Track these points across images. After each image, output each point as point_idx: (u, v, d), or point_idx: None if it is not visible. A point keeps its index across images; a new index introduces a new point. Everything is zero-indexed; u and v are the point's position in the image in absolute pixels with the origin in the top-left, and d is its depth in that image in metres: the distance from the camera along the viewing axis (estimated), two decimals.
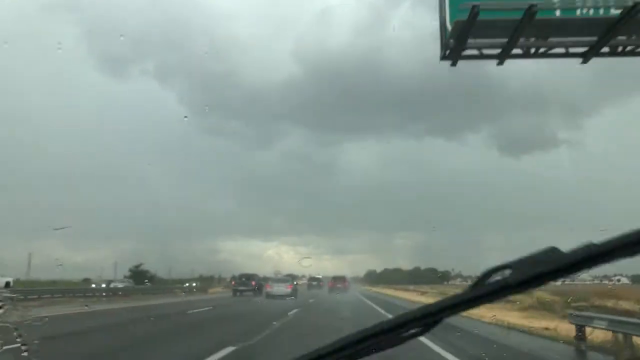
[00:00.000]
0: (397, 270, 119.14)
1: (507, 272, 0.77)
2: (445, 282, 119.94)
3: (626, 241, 0.69)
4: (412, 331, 0.87)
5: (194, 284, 56.03)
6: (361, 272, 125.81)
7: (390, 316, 0.97)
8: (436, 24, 8.85)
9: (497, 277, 0.79)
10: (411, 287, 62.17)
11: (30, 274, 38.86)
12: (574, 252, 0.73)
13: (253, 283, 36.76)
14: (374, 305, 25.31)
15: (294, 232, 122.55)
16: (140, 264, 55.30)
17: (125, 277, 50.65)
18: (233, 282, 40.05)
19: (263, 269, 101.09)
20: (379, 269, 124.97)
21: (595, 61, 8.94)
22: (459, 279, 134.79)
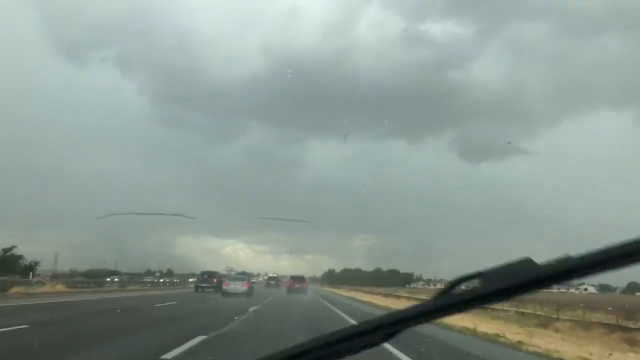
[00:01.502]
0: (357, 271, 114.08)
1: (477, 281, 0.73)
2: (408, 285, 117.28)
3: (604, 256, 0.66)
4: (376, 339, 0.83)
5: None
6: (319, 272, 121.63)
7: None
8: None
9: (465, 286, 0.75)
10: (379, 289, 56.94)
11: None
12: (550, 265, 0.70)
13: (214, 280, 37.51)
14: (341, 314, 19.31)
15: (252, 230, 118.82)
16: (12, 247, 37.28)
17: None
18: (196, 279, 42.77)
19: (219, 266, 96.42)
20: (338, 269, 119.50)
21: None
22: (421, 282, 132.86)
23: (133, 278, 57.35)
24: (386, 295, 42.54)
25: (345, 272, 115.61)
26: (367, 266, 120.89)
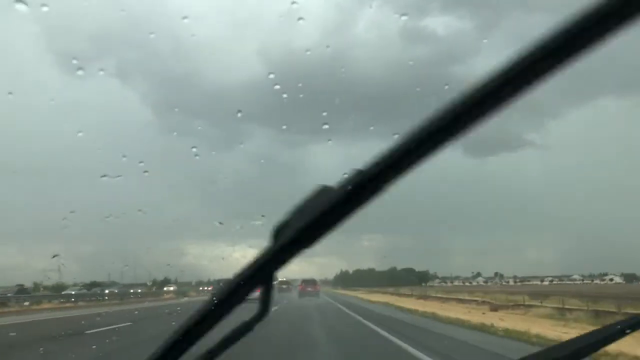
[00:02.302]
0: (371, 271, 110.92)
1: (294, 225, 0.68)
2: (424, 284, 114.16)
3: (391, 161, 0.61)
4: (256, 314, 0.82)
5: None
6: (330, 275, 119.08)
7: None
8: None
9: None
10: (404, 290, 53.23)
11: None
12: (343, 185, 0.64)
13: None
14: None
15: (260, 236, 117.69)
16: None
17: None
18: (211, 287, 43.89)
19: (227, 273, 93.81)
20: (349, 271, 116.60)
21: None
22: (437, 280, 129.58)
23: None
24: (421, 297, 38.29)
25: (358, 272, 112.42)
26: (378, 266, 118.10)
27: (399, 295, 46.19)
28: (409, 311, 22.09)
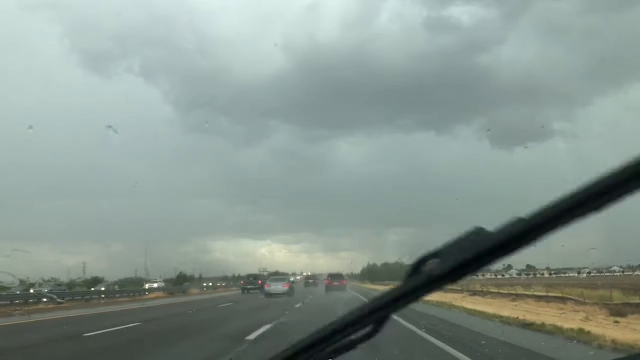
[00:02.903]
0: (399, 265, 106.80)
1: (436, 261, 0.71)
2: None
3: (557, 211, 0.63)
4: (365, 332, 0.85)
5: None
6: (356, 269, 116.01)
7: None
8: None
9: (428, 266, 0.72)
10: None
11: None
12: (502, 231, 0.66)
13: (259, 282, 41.05)
14: None
15: (286, 231, 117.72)
16: None
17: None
18: (242, 282, 47.41)
19: (253, 268, 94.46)
20: (378, 264, 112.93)
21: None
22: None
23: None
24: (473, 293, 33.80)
25: (387, 266, 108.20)
26: (408, 259, 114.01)
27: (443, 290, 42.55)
28: (487, 317, 14.07)
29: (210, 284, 67.57)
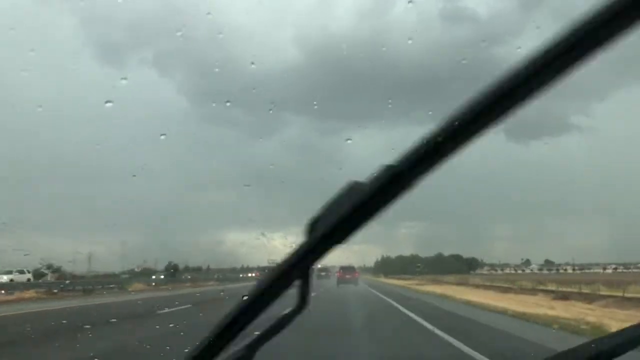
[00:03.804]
0: (415, 257, 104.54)
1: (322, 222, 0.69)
2: (472, 271, 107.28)
3: (429, 148, 0.60)
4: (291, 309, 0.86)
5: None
6: (369, 262, 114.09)
7: None
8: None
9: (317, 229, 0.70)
10: (465, 279, 45.61)
11: None
12: (373, 180, 0.64)
13: None
14: None
15: (299, 223, 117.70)
16: None
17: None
18: (257, 273, 48.08)
19: (262, 260, 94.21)
20: (392, 256, 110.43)
21: None
22: (485, 268, 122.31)
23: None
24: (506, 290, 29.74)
25: (401, 259, 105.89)
26: (422, 252, 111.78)
27: (473, 286, 37.80)
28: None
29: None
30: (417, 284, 42.95)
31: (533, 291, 28.72)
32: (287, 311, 0.87)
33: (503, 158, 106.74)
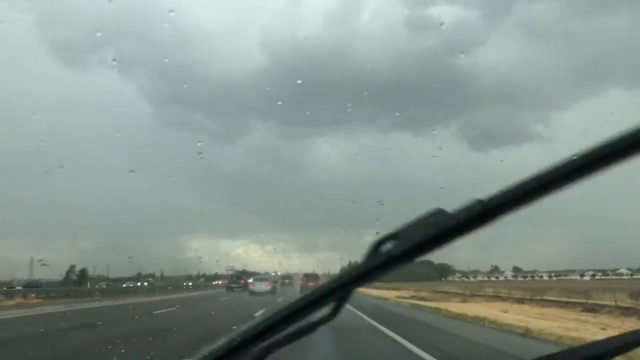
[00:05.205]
0: None
1: (396, 241, 0.73)
2: (443, 278, 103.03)
3: (517, 193, 0.65)
4: (323, 314, 0.85)
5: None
6: (332, 269, 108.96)
7: None
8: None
9: (387, 247, 0.73)
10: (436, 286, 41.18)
11: None
12: (462, 211, 0.68)
13: (242, 281, 43.90)
14: None
15: (261, 230, 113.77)
16: None
17: None
18: (227, 281, 50.28)
19: (220, 267, 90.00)
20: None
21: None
22: (457, 275, 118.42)
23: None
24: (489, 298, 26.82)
25: None
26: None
27: (447, 294, 36.85)
28: None
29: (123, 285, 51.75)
30: (386, 293, 40.21)
31: (561, 304, 23.68)
32: (315, 319, 0.85)
33: (465, 165, 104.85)
